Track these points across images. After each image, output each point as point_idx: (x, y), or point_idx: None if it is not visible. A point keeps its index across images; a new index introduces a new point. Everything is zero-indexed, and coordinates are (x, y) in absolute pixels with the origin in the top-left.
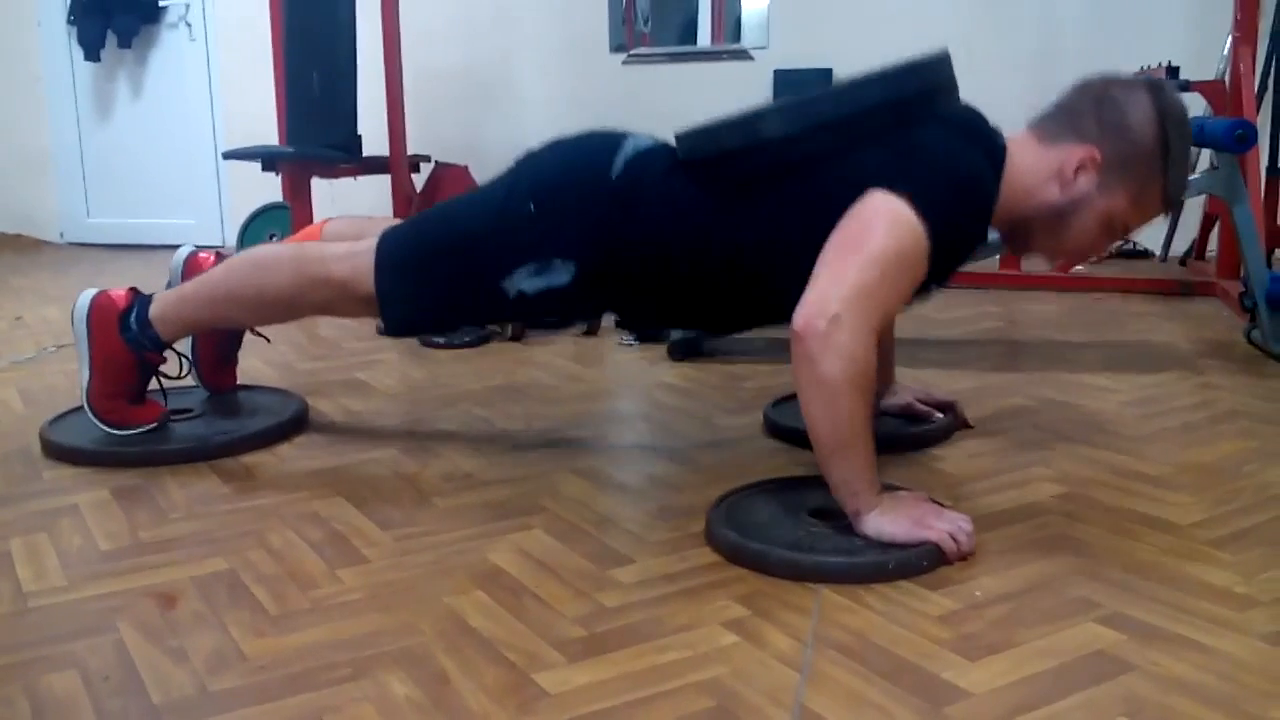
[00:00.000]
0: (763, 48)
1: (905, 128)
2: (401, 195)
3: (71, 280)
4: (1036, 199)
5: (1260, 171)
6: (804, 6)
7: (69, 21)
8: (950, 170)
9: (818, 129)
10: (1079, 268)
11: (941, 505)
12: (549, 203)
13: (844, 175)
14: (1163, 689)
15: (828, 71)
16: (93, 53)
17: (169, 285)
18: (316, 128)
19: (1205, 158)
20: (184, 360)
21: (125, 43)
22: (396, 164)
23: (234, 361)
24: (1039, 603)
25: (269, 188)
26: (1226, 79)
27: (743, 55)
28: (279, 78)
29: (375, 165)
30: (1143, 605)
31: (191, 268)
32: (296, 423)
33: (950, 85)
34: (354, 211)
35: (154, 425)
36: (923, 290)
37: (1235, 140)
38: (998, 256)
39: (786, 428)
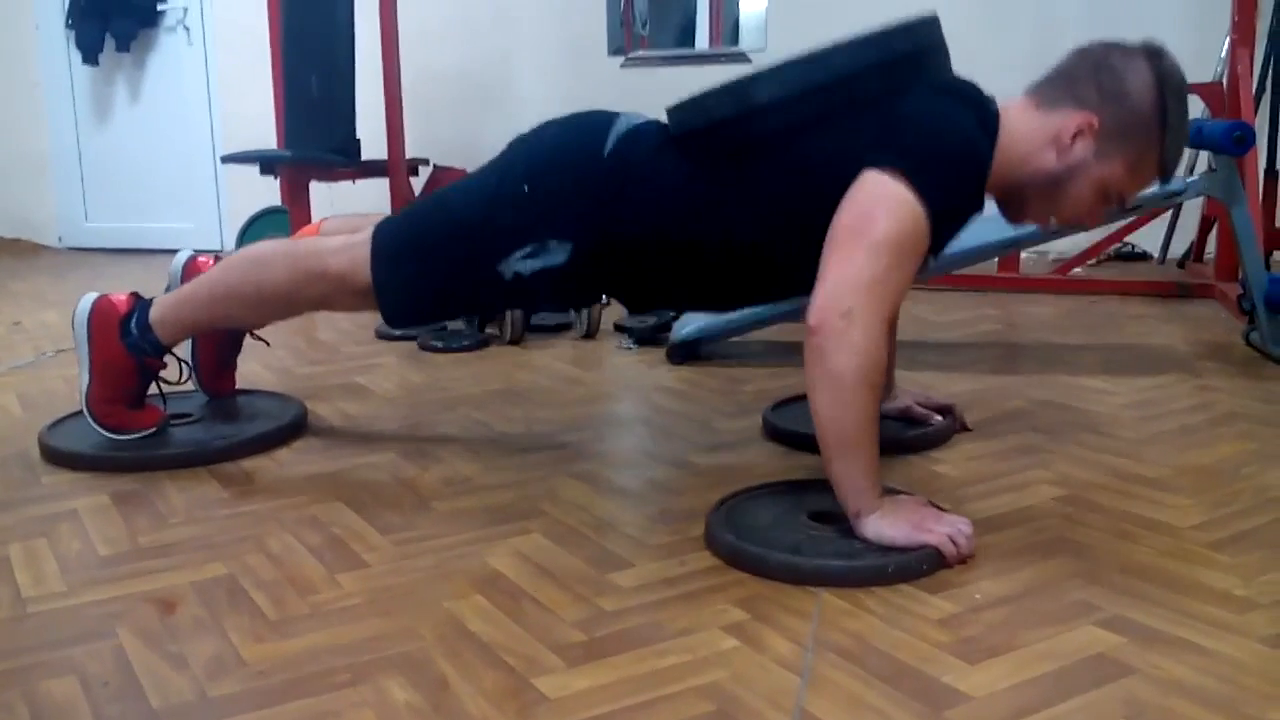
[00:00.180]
0: (761, 50)
1: (895, 93)
2: (400, 198)
3: (70, 285)
4: (1033, 165)
5: (1258, 173)
6: (802, 9)
7: (67, 25)
8: (943, 139)
9: (807, 93)
10: (1076, 270)
11: (941, 508)
12: (542, 183)
13: (835, 144)
14: (1163, 692)
15: None
16: (91, 56)
17: (168, 289)
18: (315, 131)
19: (1203, 160)
20: (183, 365)
21: (123, 46)
22: (395, 167)
23: (233, 366)
24: (1039, 606)
25: (267, 191)
26: (1224, 81)
27: (741, 58)
28: (277, 81)
29: (374, 169)
30: (1142, 608)
31: (190, 272)
32: (295, 427)
33: (939, 47)
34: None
35: (153, 430)
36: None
37: (1233, 142)
38: (995, 259)
39: (786, 431)
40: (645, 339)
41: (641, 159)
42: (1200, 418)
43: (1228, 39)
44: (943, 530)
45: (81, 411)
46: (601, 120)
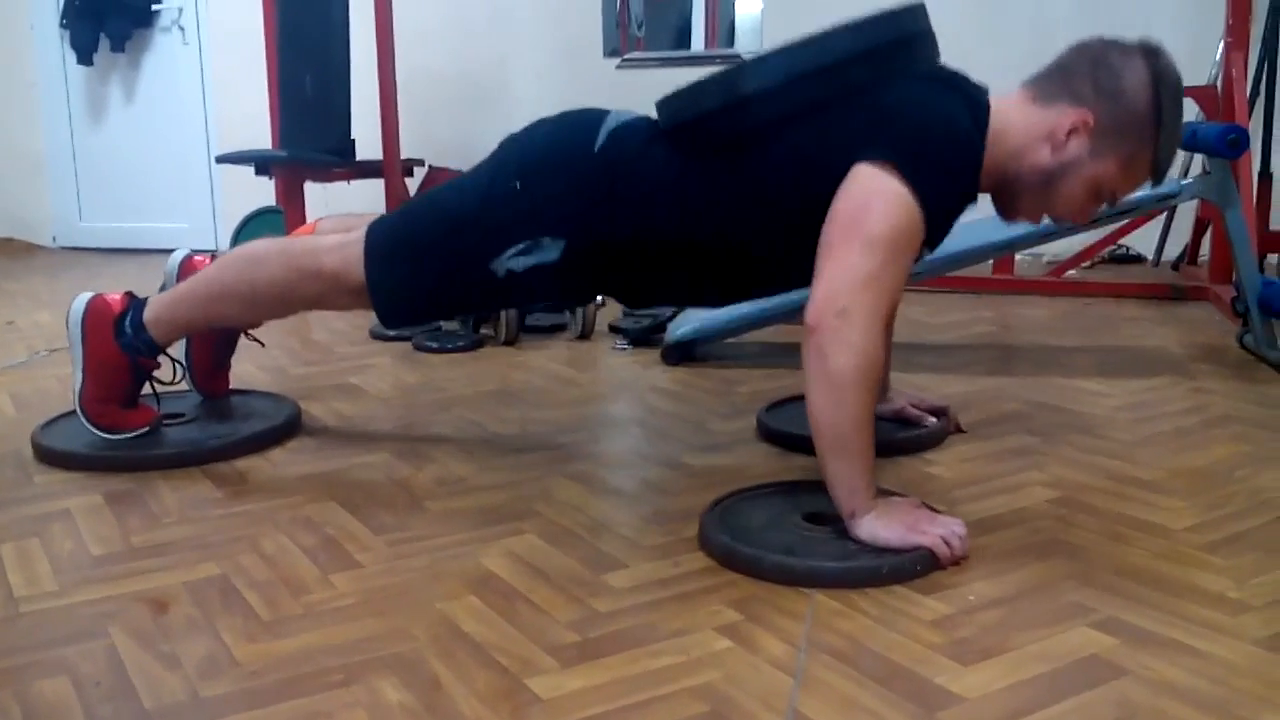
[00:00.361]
0: (756, 52)
1: (883, 81)
2: (395, 199)
3: (64, 284)
4: (1027, 160)
5: (1252, 177)
6: (797, 10)
7: (62, 25)
8: (934, 129)
9: (794, 82)
10: (1071, 272)
11: (935, 510)
12: (534, 180)
13: (825, 134)
14: (1156, 693)
15: None
16: (86, 56)
17: (163, 288)
18: (310, 132)
19: (1198, 163)
20: (177, 365)
21: (118, 46)
22: (390, 168)
23: (227, 366)
24: (1032, 607)
25: (262, 192)
26: (1219, 84)
27: (736, 59)
28: (272, 81)
29: (369, 169)
30: (1136, 610)
31: (186, 271)
32: (289, 427)
33: (927, 34)
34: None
35: (146, 430)
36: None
37: (1228, 145)
38: (991, 260)
39: (780, 432)
40: (640, 340)
41: (632, 154)
42: (1194, 420)
43: (1222, 42)
44: (936, 532)
45: (75, 411)
46: (592, 117)
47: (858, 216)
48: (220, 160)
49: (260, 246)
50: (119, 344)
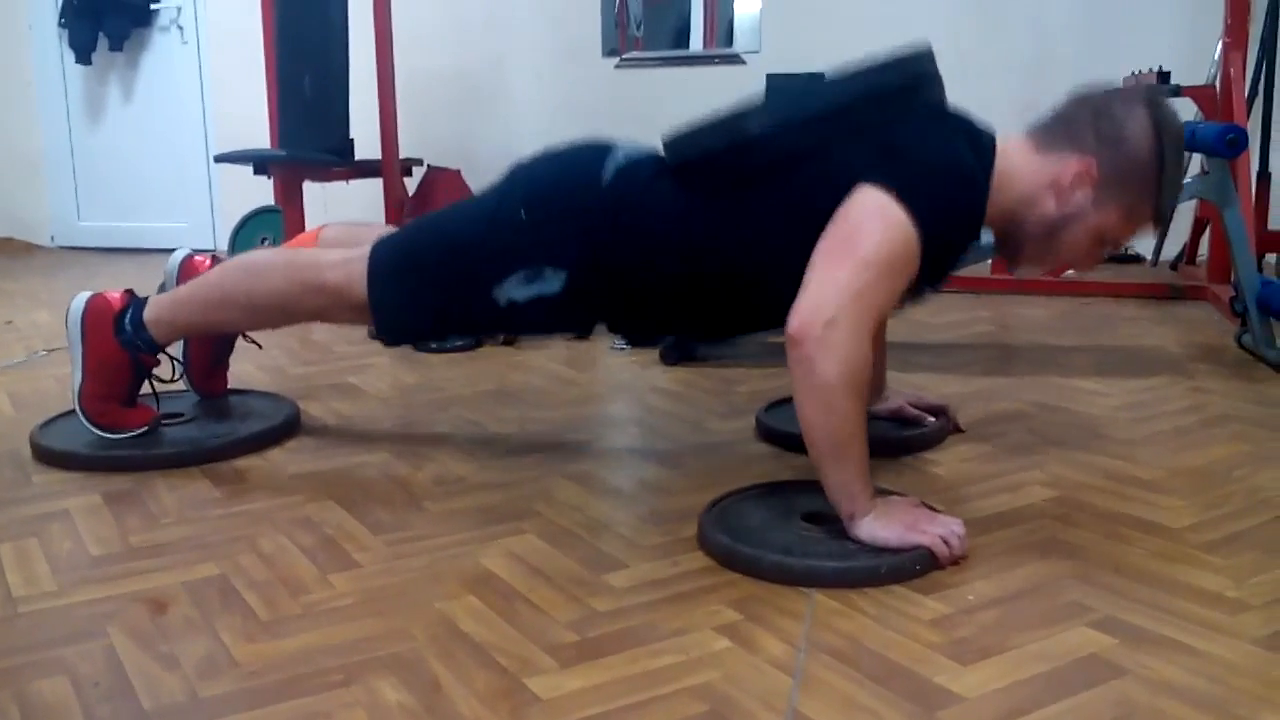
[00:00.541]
0: (755, 52)
1: (889, 123)
2: (394, 199)
3: (62, 284)
4: (1032, 209)
5: (1251, 176)
6: (796, 10)
7: (60, 24)
8: (936, 164)
9: (800, 125)
10: (1069, 272)
11: (934, 510)
12: (541, 210)
13: (829, 173)
14: (1154, 693)
15: (820, 76)
16: (84, 56)
17: (162, 287)
18: (309, 131)
19: (1196, 162)
20: (175, 364)
21: (117, 46)
22: (389, 168)
23: (225, 366)
24: (1031, 607)
25: (261, 191)
26: (1217, 84)
27: (735, 59)
28: (271, 81)
29: (367, 169)
30: (1134, 609)
31: (187, 271)
32: (288, 427)
33: (933, 78)
34: (346, 216)
35: (145, 429)
36: (915, 292)
37: (1226, 145)
38: (989, 260)
39: (779, 432)
40: (639, 340)
41: (638, 190)
42: (1192, 419)
43: (1220, 42)
44: (935, 531)
45: (74, 410)
46: (600, 150)
47: (852, 234)
48: (219, 160)
49: (264, 257)
50: (119, 341)
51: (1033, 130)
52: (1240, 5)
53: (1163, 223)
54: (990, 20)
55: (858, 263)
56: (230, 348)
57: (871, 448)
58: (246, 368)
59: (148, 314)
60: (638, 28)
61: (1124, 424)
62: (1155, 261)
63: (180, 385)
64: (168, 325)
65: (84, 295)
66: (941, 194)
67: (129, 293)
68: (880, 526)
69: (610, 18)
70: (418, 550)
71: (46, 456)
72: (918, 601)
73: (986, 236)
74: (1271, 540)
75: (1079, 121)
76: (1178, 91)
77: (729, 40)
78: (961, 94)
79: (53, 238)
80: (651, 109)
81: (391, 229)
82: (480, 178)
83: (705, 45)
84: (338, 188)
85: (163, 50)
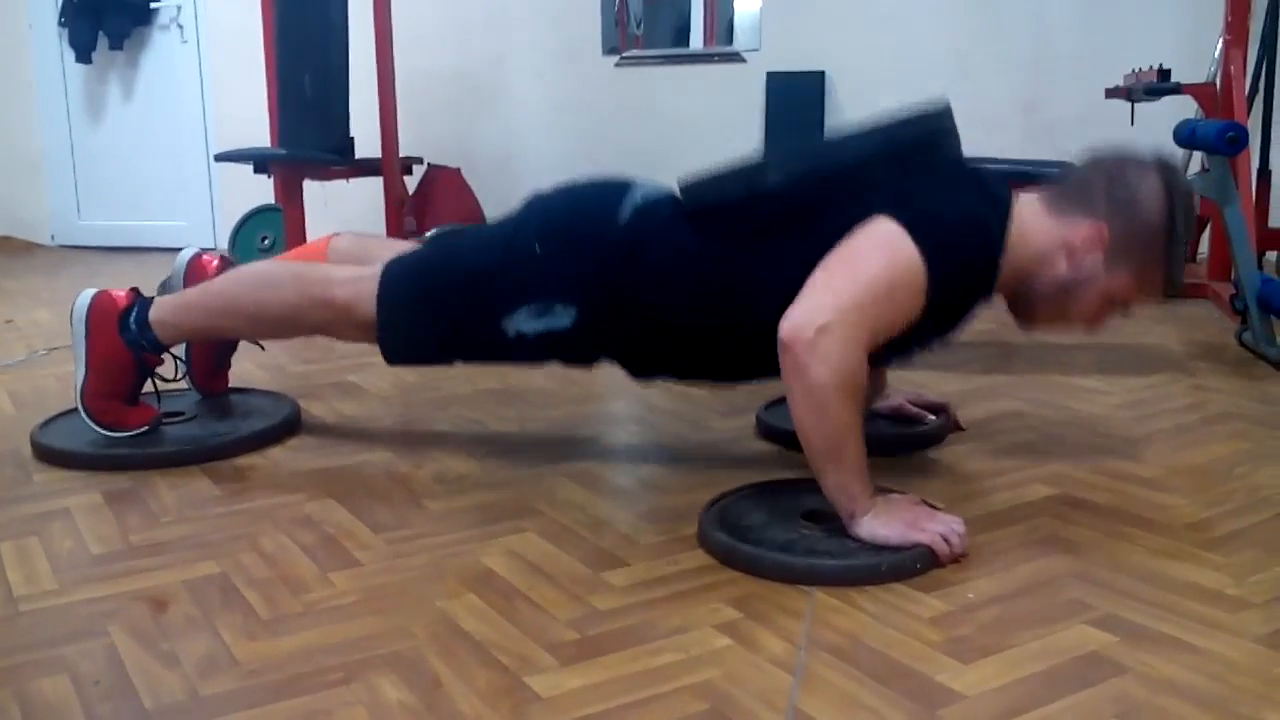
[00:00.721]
0: (755, 50)
1: (908, 178)
2: (394, 197)
3: (63, 283)
4: (1044, 269)
5: (1251, 174)
6: (796, 9)
7: (60, 23)
8: (953, 216)
9: (819, 179)
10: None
11: (934, 508)
12: (555, 245)
13: (846, 227)
14: (1155, 691)
15: (820, 74)
16: (84, 54)
17: (167, 281)
18: (309, 130)
19: (1197, 160)
20: (178, 363)
21: (116, 44)
22: (389, 166)
23: (227, 365)
24: (1031, 605)
25: (261, 190)
26: (1217, 81)
27: (735, 57)
28: (271, 80)
29: (368, 167)
30: (1135, 607)
31: (194, 269)
32: (289, 426)
33: (951, 134)
34: (346, 214)
35: (147, 428)
36: (922, 342)
37: (1226, 143)
38: None
39: (779, 430)
40: None
41: (654, 232)
42: (1193, 417)
43: (1221, 40)
44: (936, 529)
45: (76, 408)
46: (618, 189)
47: (855, 253)
48: (219, 158)
49: (274, 268)
50: (123, 340)
51: (1046, 193)
52: (1241, 3)
53: (1173, 288)
54: (990, 19)
55: (858, 277)
56: (233, 349)
57: (871, 446)
58: (247, 366)
59: (153, 315)
60: (637, 26)
61: (1124, 422)
62: None
63: (182, 384)
64: (173, 328)
65: (89, 292)
66: (955, 243)
67: (134, 291)
68: (880, 525)
69: (610, 16)
70: (418, 549)
71: (47, 455)
72: (918, 599)
73: None
74: (1272, 538)
75: (1092, 185)
76: (1178, 89)
77: (729, 38)
78: (961, 93)
79: (53, 236)
80: (652, 107)
81: (404, 245)
82: (480, 176)
83: (705, 43)
84: (338, 186)
85: (163, 49)
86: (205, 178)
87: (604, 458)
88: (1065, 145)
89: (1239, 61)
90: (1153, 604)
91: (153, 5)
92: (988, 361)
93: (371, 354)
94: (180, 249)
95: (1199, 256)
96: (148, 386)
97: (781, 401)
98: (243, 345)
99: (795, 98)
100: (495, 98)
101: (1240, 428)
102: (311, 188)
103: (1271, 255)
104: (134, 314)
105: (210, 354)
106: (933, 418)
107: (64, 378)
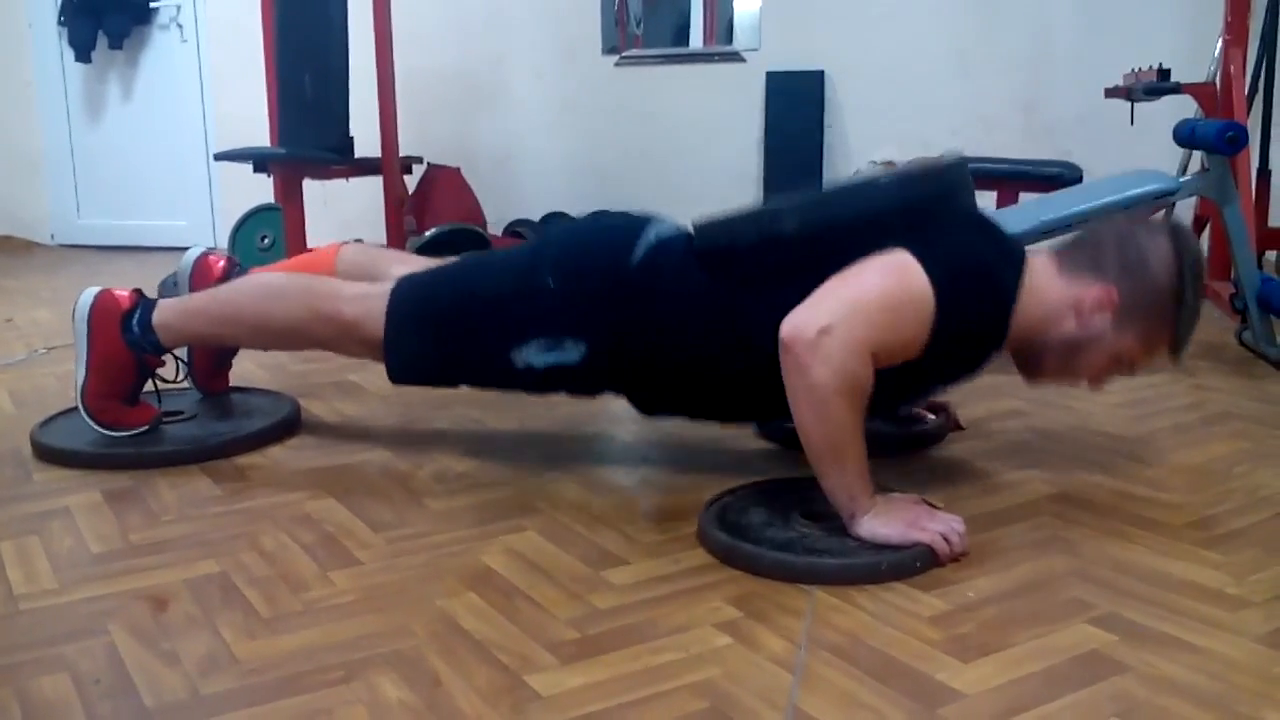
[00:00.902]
0: (754, 49)
1: (922, 229)
2: (394, 197)
3: (62, 282)
4: (1053, 328)
5: (1251, 174)
6: (796, 8)
7: (60, 22)
8: (968, 261)
9: (832, 228)
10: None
11: (934, 507)
12: (568, 280)
13: None
14: (1155, 689)
15: (820, 74)
16: (84, 54)
17: (165, 282)
18: (308, 129)
19: (1196, 159)
20: (179, 362)
21: (116, 44)
22: (389, 165)
23: (228, 365)
24: (1031, 604)
25: (261, 189)
26: (1217, 81)
27: (735, 57)
28: (270, 79)
29: (367, 167)
30: (1135, 606)
31: (201, 269)
32: (289, 425)
33: (966, 188)
34: (346, 214)
35: (147, 427)
36: (925, 390)
37: (1226, 142)
38: None
39: (779, 429)
40: None
41: (666, 272)
42: (1193, 417)
43: (1220, 39)
44: (936, 528)
45: (76, 407)
46: (634, 226)
47: (863, 270)
48: (218, 158)
49: (282, 279)
50: (125, 341)
51: (1058, 252)
52: (1240, 2)
53: (1180, 351)
54: (990, 19)
55: (864, 287)
56: (235, 350)
57: (871, 445)
58: (247, 365)
59: (157, 318)
60: (637, 25)
61: (1124, 421)
62: None
63: (184, 384)
64: (176, 332)
65: (91, 291)
66: (968, 288)
67: (137, 292)
68: (881, 524)
69: (610, 15)
70: (418, 547)
71: (47, 454)
72: (918, 598)
73: None
74: (1272, 537)
75: (1104, 247)
76: (1177, 88)
77: (729, 38)
78: (961, 93)
79: (53, 236)
80: (652, 106)
81: (414, 259)
82: (480, 176)
83: (705, 43)
84: (337, 185)
85: (162, 48)
86: (205, 177)
87: (604, 457)
88: (1065, 145)
89: (1239, 61)
90: (1153, 603)
91: (152, 4)
92: None
93: None
94: (184, 248)
95: None
96: (148, 386)
97: None
98: None
99: (795, 97)
100: (495, 97)
101: (1240, 427)
102: (311, 187)
103: (1271, 255)
104: (137, 316)
105: (211, 354)
106: (933, 417)
107: (64, 377)
